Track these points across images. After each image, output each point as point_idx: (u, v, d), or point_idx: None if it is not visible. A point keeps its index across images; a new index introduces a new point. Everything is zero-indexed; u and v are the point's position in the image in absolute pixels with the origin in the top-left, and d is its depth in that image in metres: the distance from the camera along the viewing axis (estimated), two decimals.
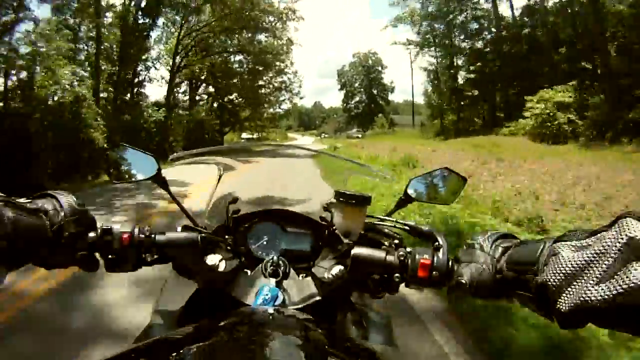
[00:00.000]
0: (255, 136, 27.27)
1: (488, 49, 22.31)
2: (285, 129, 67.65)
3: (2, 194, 0.43)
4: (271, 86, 24.37)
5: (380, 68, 49.15)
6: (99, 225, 0.53)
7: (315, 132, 71.06)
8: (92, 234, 0.52)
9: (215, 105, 22.95)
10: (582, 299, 0.33)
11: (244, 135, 27.54)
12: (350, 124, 49.16)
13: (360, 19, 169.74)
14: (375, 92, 48.57)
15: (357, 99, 49.84)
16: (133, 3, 14.71)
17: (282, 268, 0.63)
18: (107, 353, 0.40)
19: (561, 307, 0.35)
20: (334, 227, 0.64)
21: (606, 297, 0.31)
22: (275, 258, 0.64)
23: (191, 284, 0.67)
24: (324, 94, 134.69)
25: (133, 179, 0.71)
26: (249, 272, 0.64)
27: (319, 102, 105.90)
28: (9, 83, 9.19)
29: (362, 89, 49.22)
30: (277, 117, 27.65)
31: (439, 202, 0.79)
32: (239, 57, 22.53)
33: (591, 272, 0.33)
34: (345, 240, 0.60)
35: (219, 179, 0.77)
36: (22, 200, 0.47)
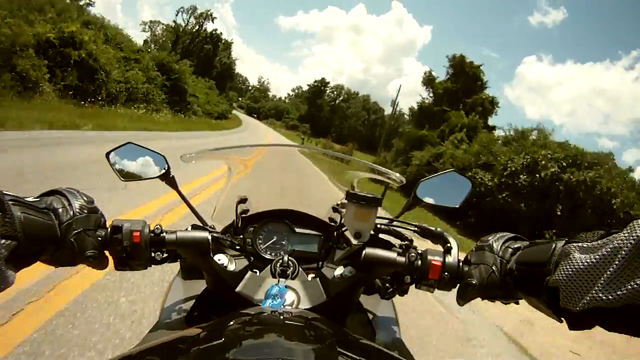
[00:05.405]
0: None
1: None
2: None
3: (10, 193, 0.42)
4: None
5: None
6: (108, 223, 0.53)
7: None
8: (101, 232, 0.51)
9: None
10: (591, 300, 0.33)
11: None
12: None
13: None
14: None
15: None
16: None
17: (291, 268, 0.62)
18: (117, 353, 0.39)
19: (571, 308, 0.35)
20: (344, 228, 0.63)
21: (615, 299, 0.31)
22: (284, 258, 0.63)
23: (199, 283, 0.67)
24: None
25: (142, 178, 0.71)
26: (257, 272, 0.64)
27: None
28: None
29: None
30: None
31: (446, 205, 0.79)
32: None
33: (601, 274, 0.33)
34: (356, 241, 0.59)
35: (228, 180, 0.77)
36: (31, 198, 0.46)
